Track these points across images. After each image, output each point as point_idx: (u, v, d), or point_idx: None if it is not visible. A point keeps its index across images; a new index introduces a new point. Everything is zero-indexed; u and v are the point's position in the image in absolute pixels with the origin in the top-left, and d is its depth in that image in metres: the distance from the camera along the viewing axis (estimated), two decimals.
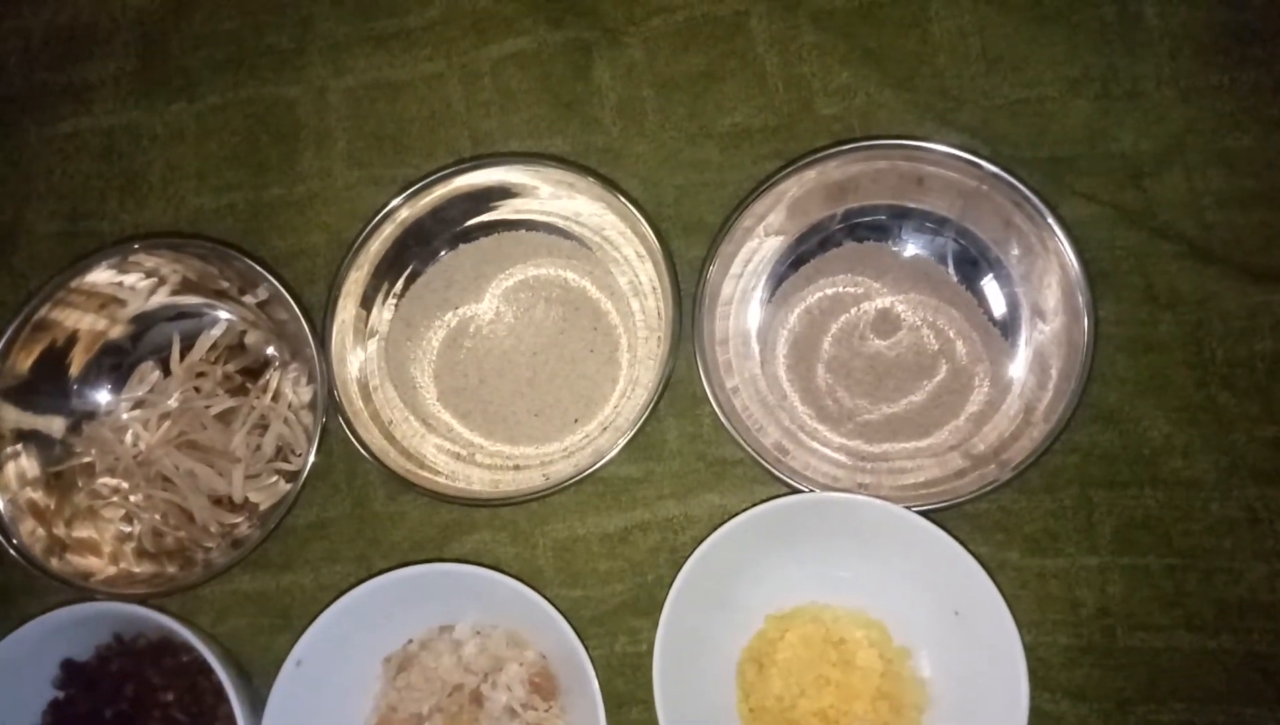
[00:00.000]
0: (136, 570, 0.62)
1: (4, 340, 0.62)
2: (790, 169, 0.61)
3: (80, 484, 0.64)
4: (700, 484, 0.62)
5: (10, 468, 0.62)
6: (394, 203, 0.64)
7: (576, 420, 0.64)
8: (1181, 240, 0.61)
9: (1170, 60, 0.62)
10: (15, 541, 0.60)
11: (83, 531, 0.63)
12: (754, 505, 0.57)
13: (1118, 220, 0.61)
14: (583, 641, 0.55)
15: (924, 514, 0.56)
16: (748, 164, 0.65)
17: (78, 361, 0.65)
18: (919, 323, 0.63)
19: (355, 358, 0.65)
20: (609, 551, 0.62)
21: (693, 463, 0.62)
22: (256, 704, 0.56)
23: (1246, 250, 0.60)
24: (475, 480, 0.63)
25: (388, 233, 0.65)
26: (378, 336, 0.66)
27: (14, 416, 0.63)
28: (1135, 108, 0.62)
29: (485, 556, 0.62)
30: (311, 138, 0.69)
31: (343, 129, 0.68)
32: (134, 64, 0.71)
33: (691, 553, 0.56)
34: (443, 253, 0.67)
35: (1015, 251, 0.61)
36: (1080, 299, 0.58)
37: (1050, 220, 0.58)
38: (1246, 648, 0.57)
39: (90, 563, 0.62)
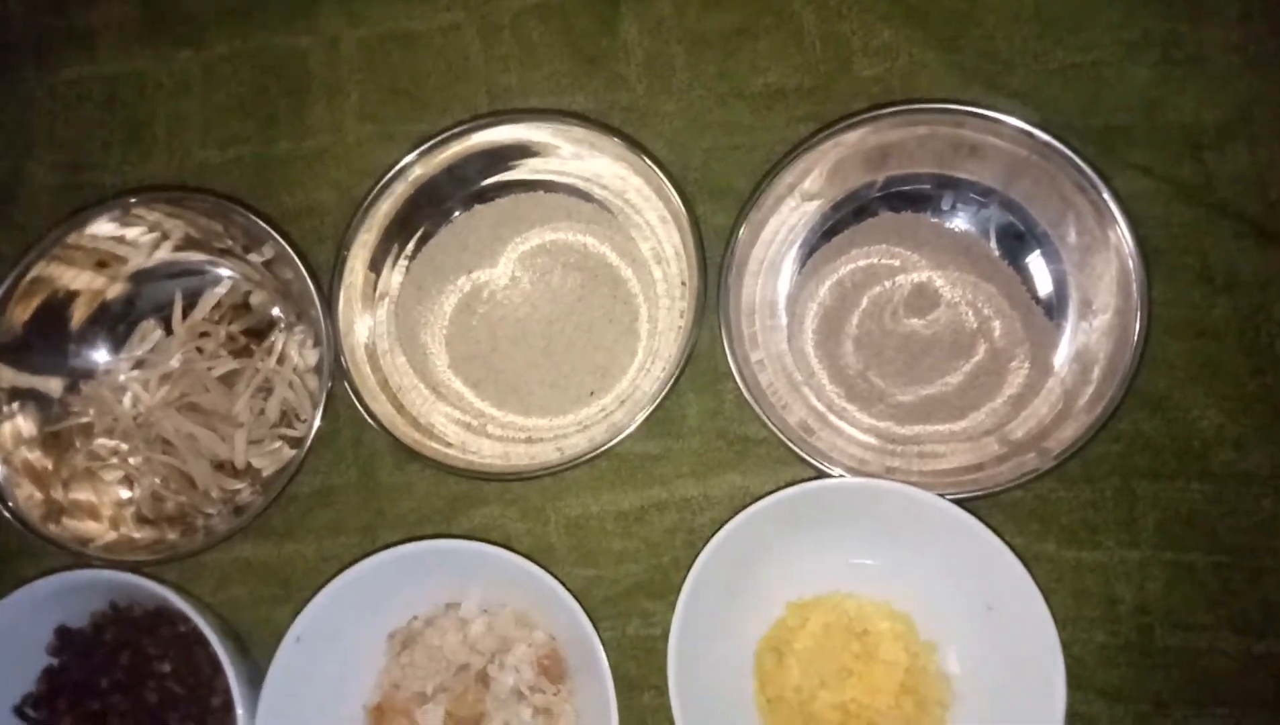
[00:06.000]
0: (136, 536, 0.60)
1: None
2: (826, 133, 0.58)
3: (78, 444, 0.62)
4: (721, 463, 0.59)
5: (6, 428, 0.60)
6: (407, 160, 0.61)
7: (593, 392, 0.61)
8: (1242, 218, 0.57)
9: (1239, 25, 0.58)
10: (11, 505, 0.58)
11: (81, 494, 0.61)
12: (778, 489, 0.54)
13: (1174, 195, 0.58)
14: (594, 623, 0.53)
15: (957, 502, 0.53)
16: (780, 126, 0.61)
17: (76, 319, 0.63)
18: (957, 299, 0.59)
19: (364, 321, 0.62)
20: (624, 530, 0.59)
21: (713, 441, 0.59)
22: (255, 676, 0.54)
23: None
24: (486, 452, 0.61)
25: (400, 191, 0.62)
26: (387, 299, 0.63)
27: (9, 376, 0.60)
28: (1198, 75, 0.58)
29: (494, 531, 0.60)
30: (322, 90, 0.66)
31: (355, 81, 0.65)
32: (138, 10, 0.68)
33: (710, 535, 0.54)
34: (457, 213, 0.64)
35: (1065, 227, 0.57)
36: (1134, 282, 0.54)
37: (1106, 195, 0.54)
38: None
39: (89, 527, 0.60)
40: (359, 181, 0.63)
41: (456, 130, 0.62)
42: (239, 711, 0.52)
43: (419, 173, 0.62)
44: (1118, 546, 0.56)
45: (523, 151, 0.63)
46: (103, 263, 0.63)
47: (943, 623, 0.55)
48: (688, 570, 0.53)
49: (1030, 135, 0.55)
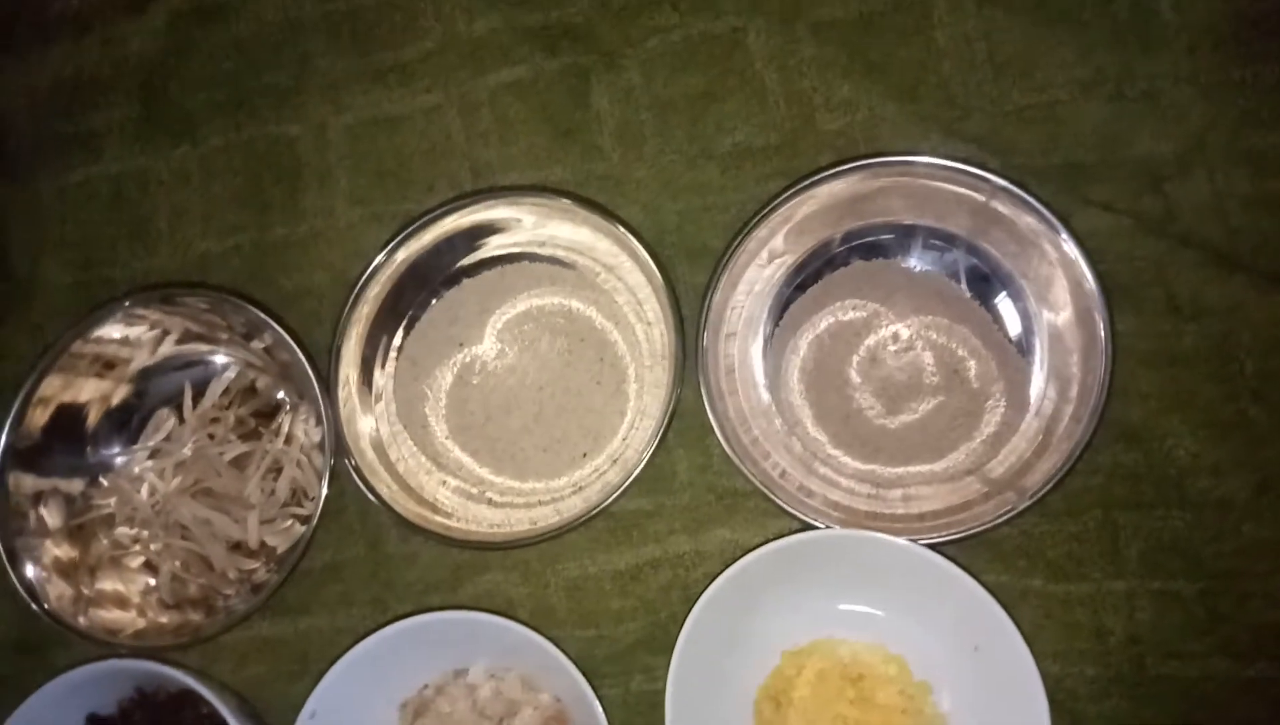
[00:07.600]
0: (163, 621, 0.63)
1: (13, 413, 0.63)
2: (793, 190, 0.60)
3: (101, 535, 0.65)
4: (711, 518, 0.61)
5: (33, 527, 0.63)
6: (394, 242, 0.64)
7: (585, 454, 0.63)
8: (1205, 247, 0.58)
9: (1188, 56, 0.59)
10: (45, 606, 0.61)
11: (107, 583, 0.64)
12: (765, 542, 0.56)
13: (1136, 229, 0.59)
14: (593, 685, 0.55)
15: (942, 544, 0.55)
16: (750, 184, 0.63)
17: (91, 419, 0.66)
18: (931, 342, 0.61)
19: (362, 397, 0.65)
20: (621, 589, 0.61)
21: (703, 495, 0.61)
22: None
23: (1274, 255, 0.57)
24: (486, 519, 0.63)
25: (390, 272, 0.65)
26: (386, 375, 0.66)
27: (30, 482, 0.64)
28: (1152, 108, 0.59)
29: (498, 597, 0.62)
30: (313, 176, 0.68)
31: (343, 166, 0.68)
32: (137, 110, 0.71)
33: (703, 590, 0.55)
34: (446, 289, 0.66)
35: (1028, 269, 0.59)
36: (1097, 315, 0.55)
37: (1063, 234, 0.56)
38: None
39: (118, 617, 0.63)
40: (352, 262, 0.66)
41: (438, 212, 0.64)
42: None
43: (406, 254, 0.65)
44: (1104, 578, 0.57)
45: (504, 226, 0.65)
46: (109, 366, 0.66)
47: (934, 664, 0.56)
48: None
49: (987, 180, 0.57)
